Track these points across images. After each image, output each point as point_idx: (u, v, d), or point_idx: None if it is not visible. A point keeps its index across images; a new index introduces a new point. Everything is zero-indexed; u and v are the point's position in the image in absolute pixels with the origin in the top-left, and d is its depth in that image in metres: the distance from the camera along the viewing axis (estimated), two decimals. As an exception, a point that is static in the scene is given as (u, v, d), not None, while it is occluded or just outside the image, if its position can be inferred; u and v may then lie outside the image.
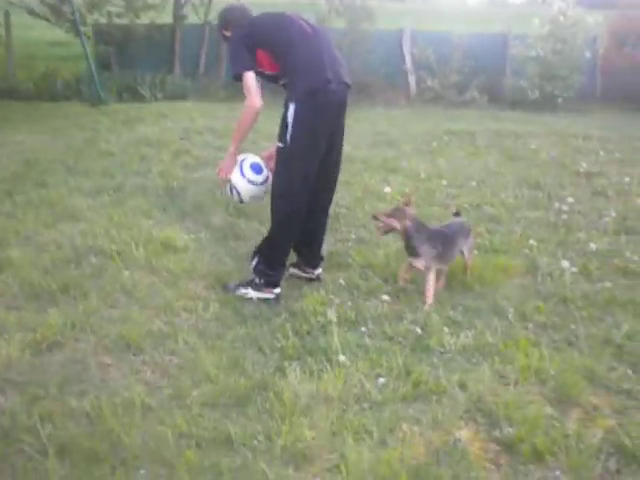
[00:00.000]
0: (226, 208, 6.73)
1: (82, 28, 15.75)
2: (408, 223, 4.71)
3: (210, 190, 7.34)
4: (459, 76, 16.76)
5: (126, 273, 5.09)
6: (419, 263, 4.76)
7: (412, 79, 17.49)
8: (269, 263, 4.79)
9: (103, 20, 17.42)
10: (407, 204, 4.77)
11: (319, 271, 5.17)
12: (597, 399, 3.68)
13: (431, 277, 4.73)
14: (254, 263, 4.86)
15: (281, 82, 4.71)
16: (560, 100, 16.46)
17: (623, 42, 17.86)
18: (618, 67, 17.40)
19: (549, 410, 3.55)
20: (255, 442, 3.18)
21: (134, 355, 3.99)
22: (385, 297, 4.81)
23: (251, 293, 4.76)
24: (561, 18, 16.60)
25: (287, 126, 4.57)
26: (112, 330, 4.22)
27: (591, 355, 4.12)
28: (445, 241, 4.87)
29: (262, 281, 4.76)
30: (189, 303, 4.66)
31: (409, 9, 35.57)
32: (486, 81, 16.88)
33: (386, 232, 4.88)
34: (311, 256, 5.14)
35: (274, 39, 4.67)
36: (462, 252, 5.09)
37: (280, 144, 4.65)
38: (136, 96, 15.37)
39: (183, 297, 4.76)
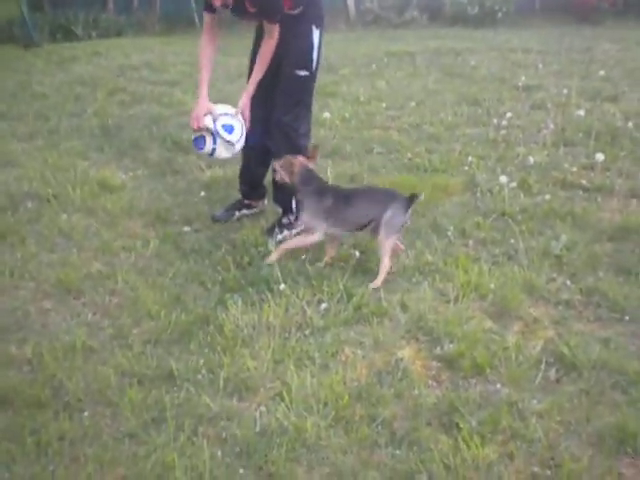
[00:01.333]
0: (163, 142, 6.66)
1: (11, -34, 15.26)
2: (297, 176, 4.25)
3: (147, 126, 7.24)
4: (397, -5, 16.61)
5: (63, 216, 5.01)
6: (300, 221, 4.42)
7: (351, 1, 17.26)
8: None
9: (33, -44, 16.89)
10: (311, 156, 4.41)
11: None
12: (536, 311, 3.76)
13: (310, 238, 4.25)
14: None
15: (295, 12, 4.46)
16: (500, 15, 16.43)
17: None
18: (556, -22, 17.34)
19: (489, 324, 3.62)
20: (198, 376, 3.20)
21: (74, 298, 3.96)
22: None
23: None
24: None
25: (311, 52, 4.52)
26: (51, 275, 4.18)
27: (530, 268, 4.18)
28: (340, 200, 4.21)
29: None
30: (128, 242, 4.61)
31: None
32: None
33: (284, 181, 4.38)
34: (262, 187, 5.13)
35: None
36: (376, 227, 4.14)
37: (304, 72, 4.53)
38: (70, 36, 14.95)
39: (122, 237, 4.71)
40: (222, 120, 4.41)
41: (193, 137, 4.55)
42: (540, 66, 10.20)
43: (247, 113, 4.50)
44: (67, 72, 10.59)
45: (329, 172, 5.56)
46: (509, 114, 7.27)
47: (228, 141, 4.41)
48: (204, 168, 5.91)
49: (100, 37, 15.01)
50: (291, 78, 4.52)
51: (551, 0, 17.73)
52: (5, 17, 15.68)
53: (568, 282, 4.03)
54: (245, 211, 5.02)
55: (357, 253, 4.35)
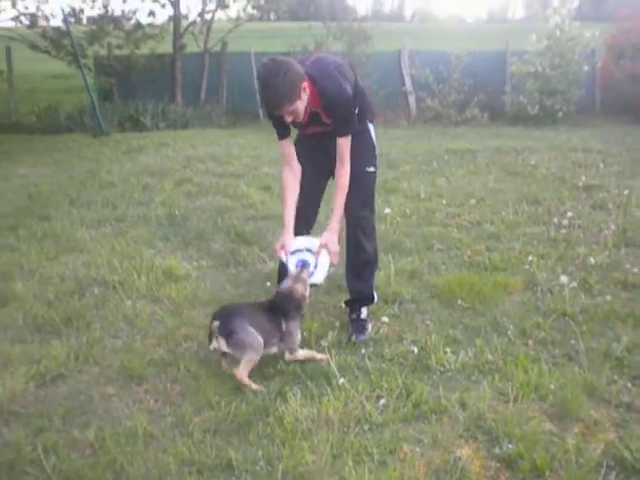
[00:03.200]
0: (227, 234, 6.81)
1: (83, 60, 15.96)
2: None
3: (212, 218, 7.43)
4: (459, 95, 16.88)
5: (128, 303, 5.14)
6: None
7: (412, 99, 17.61)
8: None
9: (103, 52, 17.62)
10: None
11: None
12: (597, 413, 3.69)
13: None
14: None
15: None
16: (560, 114, 16.55)
17: (620, 55, 17.93)
18: (616, 79, 17.50)
19: (549, 426, 3.57)
20: (256, 467, 3.21)
21: (137, 384, 4.02)
22: (385, 319, 4.84)
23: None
24: (558, 33, 16.69)
25: (374, 148, 4.67)
26: (115, 360, 4.26)
27: (591, 369, 4.13)
28: None
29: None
30: (191, 331, 4.69)
31: (407, 28, 35.82)
32: (486, 98, 17.00)
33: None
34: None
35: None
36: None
37: (372, 168, 4.64)
38: (138, 126, 15.53)
39: (185, 325, 4.80)
40: (296, 257, 4.50)
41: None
42: (601, 166, 10.23)
43: (333, 247, 4.46)
44: (135, 162, 10.95)
45: (391, 268, 5.62)
46: (570, 213, 7.29)
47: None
48: (266, 260, 6.01)
49: (167, 128, 15.52)
50: (362, 175, 4.56)
51: (611, 100, 17.87)
52: (77, 107, 16.33)
53: (629, 385, 3.97)
54: None
55: (416, 349, 4.35)
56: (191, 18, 18.86)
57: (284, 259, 4.44)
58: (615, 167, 10.25)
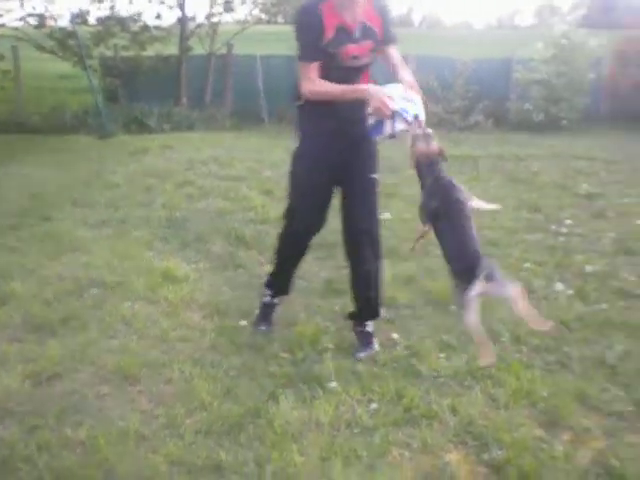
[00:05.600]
0: (226, 237, 6.85)
1: (89, 61, 16.03)
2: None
3: (212, 220, 7.47)
4: (463, 101, 16.89)
5: (126, 304, 5.17)
6: None
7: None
8: None
9: (110, 53, 17.69)
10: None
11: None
12: (588, 421, 3.71)
13: None
14: None
15: None
16: (564, 122, 16.55)
17: (627, 63, 17.94)
18: (623, 88, 17.50)
19: (539, 432, 3.60)
20: (246, 469, 3.24)
21: (131, 385, 4.05)
22: (380, 324, 4.86)
23: None
24: (564, 41, 16.71)
25: (377, 154, 4.51)
26: (110, 360, 4.29)
27: (583, 377, 4.16)
28: None
29: None
30: (186, 333, 4.73)
31: (415, 34, 35.85)
32: (491, 105, 17.01)
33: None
34: None
35: None
36: None
37: (375, 175, 4.49)
38: (143, 128, 15.57)
39: (180, 327, 4.83)
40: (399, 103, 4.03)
41: (371, 123, 4.12)
42: (603, 174, 10.26)
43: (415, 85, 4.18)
44: (139, 163, 11.01)
45: (388, 273, 5.64)
46: (569, 221, 7.32)
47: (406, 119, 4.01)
48: (264, 263, 6.03)
49: (172, 130, 15.56)
50: (367, 182, 4.46)
51: (617, 109, 17.87)
52: (82, 107, 16.40)
53: (621, 393, 3.99)
54: None
55: (411, 355, 4.39)
56: (198, 20, 18.91)
57: (397, 108, 3.97)
58: (617, 175, 10.27)
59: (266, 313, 4.88)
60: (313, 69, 4.08)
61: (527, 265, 6.04)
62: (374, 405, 3.80)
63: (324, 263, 6.05)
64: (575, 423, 3.68)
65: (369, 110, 4.01)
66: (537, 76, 16.73)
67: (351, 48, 4.09)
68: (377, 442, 3.47)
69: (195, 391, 3.91)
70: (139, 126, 15.67)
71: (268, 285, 4.89)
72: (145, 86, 17.53)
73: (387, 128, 4.06)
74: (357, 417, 3.68)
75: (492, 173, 10.56)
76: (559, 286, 5.42)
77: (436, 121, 16.86)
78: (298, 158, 4.53)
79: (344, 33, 4.05)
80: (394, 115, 3.98)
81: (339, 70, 4.14)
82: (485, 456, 3.38)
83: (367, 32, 4.14)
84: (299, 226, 4.62)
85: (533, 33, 22.59)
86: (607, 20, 44.47)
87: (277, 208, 7.76)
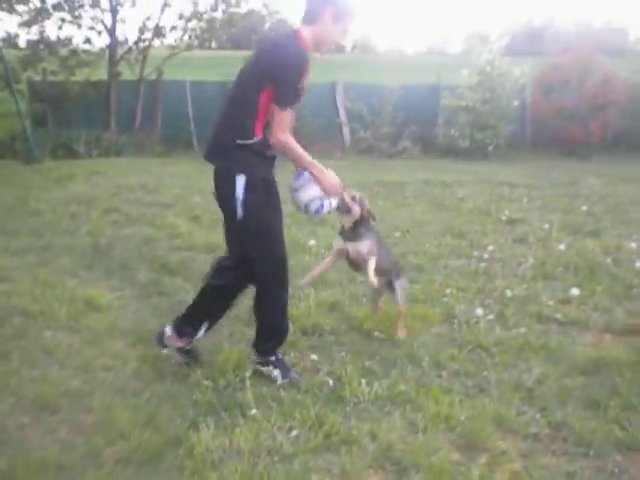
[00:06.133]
0: (151, 264, 6.84)
1: (16, 85, 15.80)
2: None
3: (137, 247, 7.44)
4: (391, 127, 17.17)
5: (48, 333, 5.10)
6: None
7: (346, 131, 17.83)
8: None
9: (38, 77, 17.51)
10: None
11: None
12: (505, 444, 3.79)
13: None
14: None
15: None
16: (490, 148, 16.95)
17: (549, 90, 18.44)
18: (546, 114, 17.96)
19: (456, 456, 3.65)
20: (164, 499, 3.24)
21: (51, 415, 3.99)
22: (303, 350, 4.90)
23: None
24: (488, 69, 17.12)
25: None
26: (30, 390, 4.23)
27: (501, 401, 4.24)
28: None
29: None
30: (108, 361, 4.69)
31: (347, 60, 36.19)
32: (418, 131, 17.35)
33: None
34: None
35: None
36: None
37: None
38: (71, 153, 15.44)
39: (103, 355, 4.79)
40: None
41: (318, 205, 4.53)
42: (525, 200, 10.54)
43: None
44: (65, 190, 10.91)
45: (312, 299, 5.70)
46: (491, 247, 7.49)
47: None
48: (189, 290, 6.03)
49: (100, 155, 15.48)
50: None
51: (541, 134, 18.35)
52: (9, 133, 16.15)
53: (537, 415, 4.08)
54: None
55: (331, 381, 4.42)
56: (128, 45, 18.86)
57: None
58: (538, 202, 10.56)
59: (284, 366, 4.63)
60: (289, 117, 4.22)
61: (449, 291, 6.15)
62: (295, 432, 3.82)
63: (249, 291, 6.07)
64: (492, 446, 3.75)
65: (317, 193, 4.44)
66: (463, 103, 17.09)
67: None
68: (297, 469, 3.49)
69: (116, 420, 3.88)
70: (67, 152, 15.54)
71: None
72: (74, 111, 17.40)
73: (326, 207, 4.53)
74: (277, 444, 3.69)
75: (419, 199, 10.76)
76: (479, 311, 5.54)
77: (365, 148, 17.11)
78: (263, 207, 4.39)
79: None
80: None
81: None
82: (404, 480, 3.43)
83: None
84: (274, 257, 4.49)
85: (463, 59, 23.03)
86: (533, 48, 45.56)
87: (204, 234, 7.82)
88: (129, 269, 6.74)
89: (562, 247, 7.46)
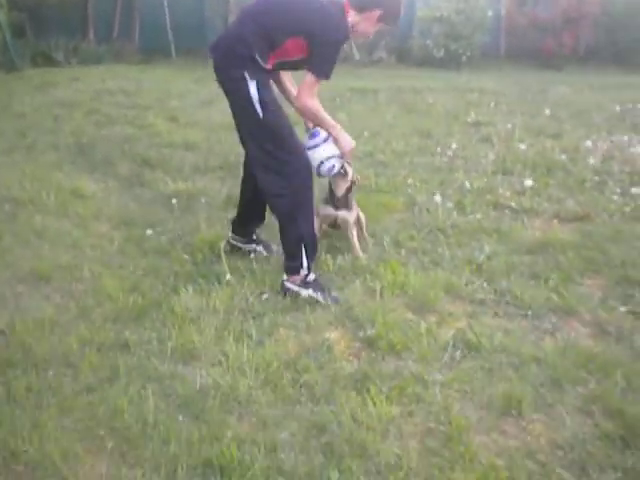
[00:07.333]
0: (132, 159, 7.22)
1: (-5, -5, 15.77)
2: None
3: (119, 145, 7.78)
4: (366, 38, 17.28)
5: (38, 218, 5.49)
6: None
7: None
8: None
9: (16, -15, 17.42)
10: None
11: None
12: (453, 306, 4.25)
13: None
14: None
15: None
16: (464, 58, 17.16)
17: (524, 2, 18.61)
18: (520, 25, 18.15)
19: (409, 315, 4.10)
20: (149, 346, 3.68)
21: (45, 284, 4.42)
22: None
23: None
24: (462, -22, 17.28)
25: None
26: (25, 265, 4.64)
27: (453, 272, 4.69)
28: None
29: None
30: (95, 241, 5.12)
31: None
32: (394, 42, 17.46)
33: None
34: None
35: None
36: None
37: None
38: (50, 62, 15.49)
39: (90, 236, 5.21)
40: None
41: (330, 165, 4.62)
42: (492, 104, 10.87)
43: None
44: (46, 95, 11.11)
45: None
46: (455, 145, 7.87)
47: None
48: (169, 182, 6.41)
49: (80, 64, 15.54)
50: None
51: (515, 46, 18.56)
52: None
53: (485, 284, 4.53)
54: None
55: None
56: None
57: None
58: (505, 106, 10.92)
59: (320, 286, 4.42)
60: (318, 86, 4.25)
61: (412, 182, 6.56)
62: (265, 295, 4.27)
63: (225, 181, 6.47)
64: (441, 308, 4.21)
65: (331, 153, 4.57)
66: (437, 13, 17.24)
67: None
68: (266, 324, 3.94)
69: (104, 287, 4.32)
70: (46, 60, 15.60)
71: (296, 268, 4.42)
72: (52, 20, 17.31)
73: (337, 167, 4.65)
74: (249, 305, 4.15)
75: (390, 104, 11.08)
76: (437, 198, 5.95)
77: (342, 57, 17.23)
78: (267, 101, 4.22)
79: None
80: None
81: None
82: (360, 333, 3.87)
83: None
84: (303, 157, 4.40)
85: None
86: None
87: (182, 133, 8.15)
88: (111, 164, 7.10)
89: (523, 146, 7.83)
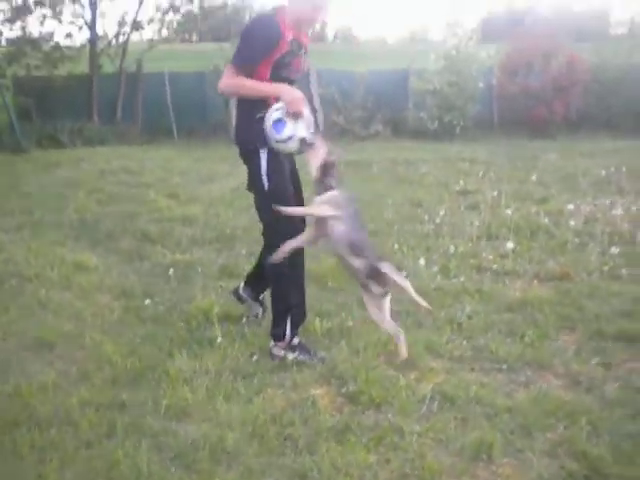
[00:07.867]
0: (133, 235, 7.56)
1: (1, 80, 16.37)
2: None
3: (121, 221, 8.15)
4: (363, 111, 17.80)
5: (42, 291, 5.79)
6: None
7: (320, 116, 18.47)
8: None
9: (22, 72, 18.05)
10: None
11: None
12: (433, 363, 4.50)
13: None
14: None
15: None
16: (458, 129, 17.61)
17: (515, 72, 19.13)
18: (512, 95, 18.65)
19: (390, 372, 4.34)
20: (145, 405, 3.94)
21: (49, 351, 4.72)
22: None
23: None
24: (454, 52, 17.83)
25: None
26: (30, 333, 4.95)
27: (434, 332, 4.95)
28: None
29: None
30: (97, 311, 5.41)
31: (328, 49, 36.73)
32: (389, 114, 17.97)
33: None
34: None
35: None
36: None
37: None
38: (56, 143, 16.03)
39: (92, 307, 5.50)
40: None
41: (275, 120, 4.25)
42: (481, 173, 11.23)
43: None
44: (52, 175, 11.59)
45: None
46: (442, 212, 8.19)
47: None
48: (167, 254, 6.74)
49: (84, 145, 16.05)
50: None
51: (508, 115, 19.02)
52: (-5, 126, 16.71)
53: (464, 342, 4.78)
54: None
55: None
56: (108, 39, 19.46)
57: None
58: (493, 175, 11.27)
59: (306, 349, 4.65)
60: (239, 72, 4.25)
61: (399, 248, 6.87)
62: (255, 357, 4.54)
63: (220, 252, 6.79)
64: (422, 365, 4.45)
65: (278, 107, 4.23)
66: (430, 86, 17.78)
67: (301, 61, 4.47)
68: (255, 384, 4.20)
69: (104, 353, 4.59)
70: (52, 142, 16.15)
71: (280, 335, 4.64)
72: (58, 104, 17.94)
73: (288, 130, 4.23)
74: (240, 366, 4.41)
75: (383, 175, 11.50)
76: (422, 261, 6.26)
77: (338, 131, 17.73)
78: (274, 173, 4.48)
79: (297, 47, 4.37)
80: (298, 119, 4.24)
81: (285, 82, 4.32)
82: (343, 389, 4.13)
83: (305, 49, 4.50)
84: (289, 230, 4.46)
85: (442, 46, 23.68)
86: (512, 33, 46.03)
87: (181, 209, 8.51)
88: (113, 239, 7.46)
89: (509, 212, 8.12)
